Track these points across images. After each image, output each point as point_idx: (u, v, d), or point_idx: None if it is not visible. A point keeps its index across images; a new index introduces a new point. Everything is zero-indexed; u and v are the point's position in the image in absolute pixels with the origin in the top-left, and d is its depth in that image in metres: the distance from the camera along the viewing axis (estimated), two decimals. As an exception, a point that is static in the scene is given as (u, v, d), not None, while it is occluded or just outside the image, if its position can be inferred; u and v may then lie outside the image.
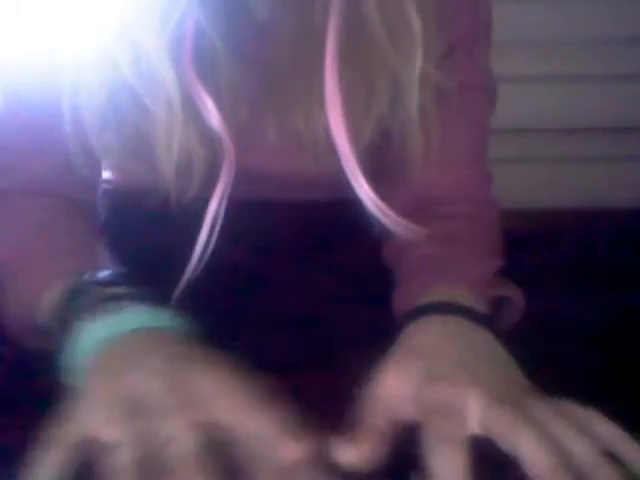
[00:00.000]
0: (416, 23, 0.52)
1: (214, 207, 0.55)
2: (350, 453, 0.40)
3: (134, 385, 0.40)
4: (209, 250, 0.55)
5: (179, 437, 0.37)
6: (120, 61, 0.50)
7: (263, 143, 0.57)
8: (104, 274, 0.49)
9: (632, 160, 1.09)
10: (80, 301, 0.47)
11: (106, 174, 0.66)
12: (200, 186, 0.55)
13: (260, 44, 0.54)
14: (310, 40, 0.53)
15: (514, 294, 0.56)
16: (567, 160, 1.09)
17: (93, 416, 0.39)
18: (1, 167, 0.58)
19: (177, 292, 0.54)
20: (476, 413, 0.41)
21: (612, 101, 1.05)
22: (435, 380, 0.43)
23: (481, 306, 0.52)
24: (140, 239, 0.61)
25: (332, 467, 0.40)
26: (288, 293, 0.60)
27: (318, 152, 0.56)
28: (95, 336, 0.44)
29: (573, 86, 1.04)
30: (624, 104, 1.05)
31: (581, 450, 0.39)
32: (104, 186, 0.65)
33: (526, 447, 0.39)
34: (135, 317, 0.46)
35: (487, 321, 0.50)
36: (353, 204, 0.60)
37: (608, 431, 0.41)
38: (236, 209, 0.56)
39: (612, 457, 0.39)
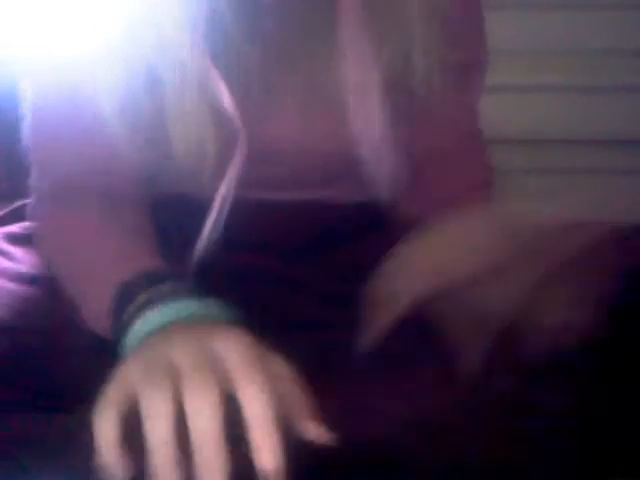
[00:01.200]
0: None
1: (224, 189, 0.56)
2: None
3: (168, 355, 0.41)
4: (217, 233, 0.56)
5: (207, 412, 0.38)
6: (143, 43, 0.52)
7: (276, 121, 0.58)
8: (154, 273, 0.51)
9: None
10: (134, 300, 0.49)
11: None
12: (214, 169, 0.56)
13: (272, 21, 0.55)
14: (322, 10, 0.54)
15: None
16: (566, 172, 1.09)
17: (133, 377, 0.40)
18: (39, 166, 0.59)
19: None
20: None
21: (616, 113, 1.05)
22: None
23: None
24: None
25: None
26: (288, 294, 0.59)
27: (329, 125, 0.57)
28: (146, 327, 0.47)
29: (576, 97, 1.04)
30: (625, 116, 1.05)
31: None
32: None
33: None
34: (183, 309, 0.47)
35: None
36: (356, 205, 0.62)
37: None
38: (237, 209, 0.56)
39: None
